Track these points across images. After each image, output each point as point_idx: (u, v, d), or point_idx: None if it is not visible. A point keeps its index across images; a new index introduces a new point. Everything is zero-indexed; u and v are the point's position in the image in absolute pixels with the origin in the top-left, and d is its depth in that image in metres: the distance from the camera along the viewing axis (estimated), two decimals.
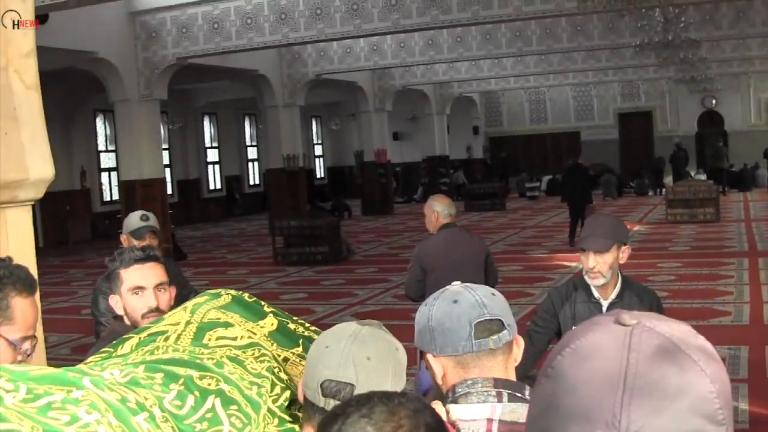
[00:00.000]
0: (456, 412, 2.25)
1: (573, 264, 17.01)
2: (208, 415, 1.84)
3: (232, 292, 2.69)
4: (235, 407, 1.92)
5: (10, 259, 2.83)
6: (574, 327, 4.47)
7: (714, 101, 38.18)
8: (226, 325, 2.37)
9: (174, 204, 28.44)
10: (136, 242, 5.69)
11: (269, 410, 2.06)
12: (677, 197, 24.49)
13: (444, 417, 2.14)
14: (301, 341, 2.50)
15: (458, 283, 2.42)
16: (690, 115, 38.84)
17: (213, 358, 2.10)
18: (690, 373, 0.96)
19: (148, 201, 20.51)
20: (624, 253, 4.58)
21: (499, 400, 2.25)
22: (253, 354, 2.22)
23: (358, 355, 2.03)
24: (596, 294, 4.62)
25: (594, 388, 0.95)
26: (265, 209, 30.06)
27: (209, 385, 1.93)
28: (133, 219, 6.23)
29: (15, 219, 4.40)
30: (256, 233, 27.38)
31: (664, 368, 0.95)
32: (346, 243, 20.81)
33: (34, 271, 3.93)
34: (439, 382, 2.36)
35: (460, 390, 2.29)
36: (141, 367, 1.95)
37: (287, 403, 2.15)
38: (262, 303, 2.64)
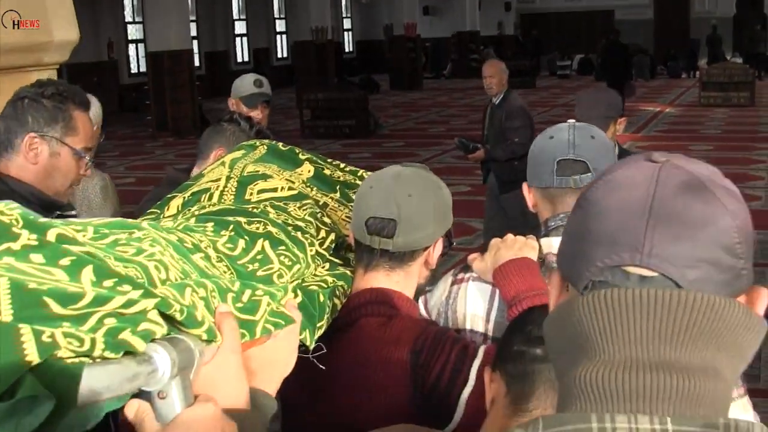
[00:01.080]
0: (549, 244, 2.37)
1: None
2: (259, 257, 1.86)
3: (266, 141, 2.70)
4: (283, 247, 1.94)
5: (63, 80, 3.08)
6: None
7: None
8: (265, 176, 2.37)
9: (201, 76, 28.27)
10: (245, 109, 5.28)
11: (317, 253, 2.08)
12: (711, 80, 24.14)
13: (536, 253, 2.29)
14: (338, 187, 2.54)
15: (572, 121, 2.56)
16: None
17: (258, 208, 2.14)
18: (712, 207, 0.99)
19: (176, 72, 20.46)
20: (621, 125, 4.52)
21: None
22: (296, 205, 2.24)
23: (400, 193, 2.12)
24: None
25: (622, 214, 1.00)
26: (293, 82, 29.81)
27: (257, 229, 1.96)
28: (246, 82, 5.57)
29: None
30: (284, 106, 27.16)
31: (687, 200, 0.99)
32: (373, 116, 20.70)
33: None
34: (532, 210, 2.55)
35: (552, 224, 2.43)
36: (192, 219, 1.99)
37: (334, 246, 2.18)
38: (297, 150, 2.65)
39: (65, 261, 1.22)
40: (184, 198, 2.28)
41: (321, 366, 1.91)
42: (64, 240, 1.27)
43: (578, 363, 1.00)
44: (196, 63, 26.55)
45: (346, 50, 41.42)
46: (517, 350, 1.63)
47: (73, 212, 3.02)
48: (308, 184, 2.46)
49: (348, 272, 2.17)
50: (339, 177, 2.61)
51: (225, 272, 1.71)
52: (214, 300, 1.43)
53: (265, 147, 2.60)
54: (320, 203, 2.38)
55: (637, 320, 0.96)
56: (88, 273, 1.22)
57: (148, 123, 21.85)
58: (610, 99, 4.57)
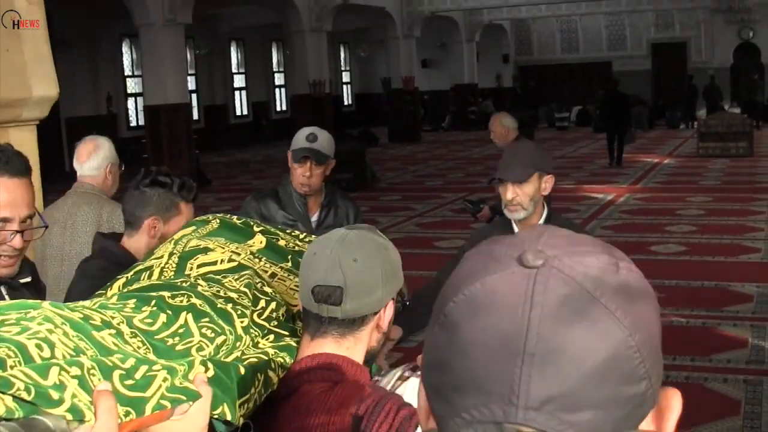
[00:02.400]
0: None
1: (600, 195, 16.82)
2: (180, 330, 1.85)
3: (220, 216, 2.67)
4: (206, 319, 1.92)
5: (10, 145, 2.82)
6: None
7: (751, 33, 37.28)
8: (206, 250, 2.35)
9: (200, 130, 28.32)
10: (294, 164, 4.78)
11: (254, 323, 2.05)
12: (710, 130, 24.14)
13: None
14: (290, 256, 2.52)
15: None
16: (726, 47, 37.91)
17: (187, 282, 2.12)
18: (603, 329, 0.80)
19: (173, 126, 20.49)
20: (547, 183, 4.14)
21: None
22: (233, 276, 2.22)
23: (345, 258, 2.04)
24: (516, 230, 4.11)
25: (489, 352, 0.81)
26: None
27: (181, 302, 1.94)
28: (301, 135, 4.89)
29: (19, 139, 4.24)
30: (282, 159, 27.04)
31: (571, 327, 0.80)
32: (370, 170, 20.67)
33: (38, 193, 3.80)
34: None
35: None
36: (114, 297, 1.96)
37: (279, 316, 2.16)
38: (252, 223, 2.64)
39: None
40: (127, 278, 2.25)
41: None
42: None
43: None
44: (195, 116, 26.64)
45: (346, 103, 41.59)
46: None
47: (26, 279, 2.86)
48: (256, 255, 2.45)
49: (293, 343, 2.11)
50: (294, 247, 2.58)
51: (139, 347, 1.69)
52: (92, 378, 1.40)
53: (218, 221, 2.59)
54: (268, 273, 2.37)
55: None
56: None
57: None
58: (537, 152, 4.29)
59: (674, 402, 0.87)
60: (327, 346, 2.07)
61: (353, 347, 2.10)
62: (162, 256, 2.32)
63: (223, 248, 2.38)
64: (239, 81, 35.98)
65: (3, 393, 1.23)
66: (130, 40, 28.95)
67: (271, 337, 2.07)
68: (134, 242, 3.57)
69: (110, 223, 4.83)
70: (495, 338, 0.81)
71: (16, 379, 1.26)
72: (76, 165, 5.03)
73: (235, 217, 2.71)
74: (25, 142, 4.22)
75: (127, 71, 30.25)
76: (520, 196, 4.05)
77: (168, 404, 1.50)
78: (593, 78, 38.83)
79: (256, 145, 33.24)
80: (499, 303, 0.82)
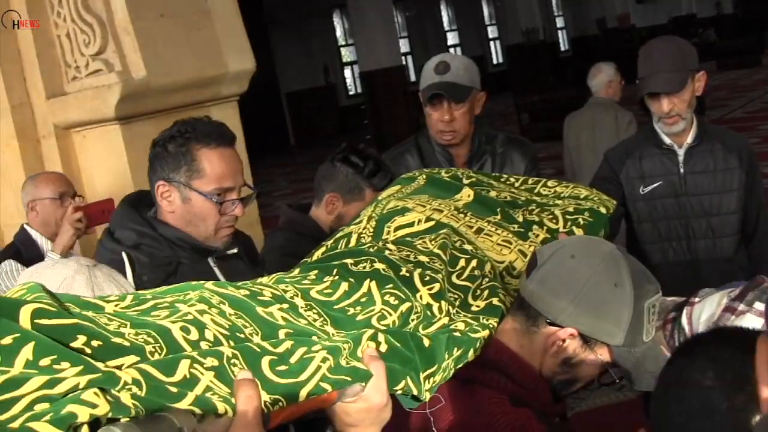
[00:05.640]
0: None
1: None
2: (363, 299, 1.72)
3: (427, 171, 2.56)
4: (390, 285, 1.78)
5: (208, 117, 2.82)
6: (643, 189, 3.77)
7: None
8: (404, 210, 2.24)
9: (416, 91, 28.39)
10: (428, 109, 3.73)
11: (453, 285, 1.90)
12: None
13: None
14: (499, 209, 2.34)
15: None
16: None
17: (375, 246, 2.01)
18: None
19: (390, 89, 20.62)
20: (700, 81, 3.65)
21: None
22: (429, 237, 2.09)
23: (569, 251, 1.93)
24: (667, 140, 3.74)
25: None
26: (511, 88, 29.61)
27: (364, 268, 1.82)
28: (428, 68, 3.80)
29: (221, 117, 4.23)
30: (502, 112, 26.83)
31: None
32: None
33: (248, 172, 3.78)
34: None
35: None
36: (296, 270, 1.86)
37: (486, 273, 2.00)
38: (461, 175, 2.50)
39: (7, 340, 1.11)
40: (327, 246, 2.16)
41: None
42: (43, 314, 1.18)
43: None
44: (413, 78, 26.71)
45: (562, 49, 40.72)
46: None
47: (233, 250, 2.79)
48: (462, 211, 2.30)
49: (502, 304, 1.92)
50: (507, 197, 2.43)
51: (315, 320, 1.58)
52: (234, 368, 1.28)
53: (424, 177, 2.48)
54: (473, 229, 2.22)
55: None
56: (26, 352, 1.11)
57: (368, 142, 22.11)
58: (683, 49, 3.67)
59: None
60: (506, 331, 1.95)
61: (528, 347, 1.95)
62: (362, 221, 2.24)
63: (424, 206, 2.27)
64: (452, 38, 35.88)
65: (112, 390, 1.12)
66: (340, 10, 29.30)
67: (485, 293, 1.92)
68: (317, 213, 3.49)
69: (622, 121, 7.04)
70: None
71: (125, 375, 1.16)
72: (589, 82, 7.35)
73: (444, 171, 2.56)
74: (228, 119, 4.20)
75: (341, 41, 30.66)
76: (677, 106, 3.61)
77: (329, 387, 1.38)
78: None
79: None
80: None
